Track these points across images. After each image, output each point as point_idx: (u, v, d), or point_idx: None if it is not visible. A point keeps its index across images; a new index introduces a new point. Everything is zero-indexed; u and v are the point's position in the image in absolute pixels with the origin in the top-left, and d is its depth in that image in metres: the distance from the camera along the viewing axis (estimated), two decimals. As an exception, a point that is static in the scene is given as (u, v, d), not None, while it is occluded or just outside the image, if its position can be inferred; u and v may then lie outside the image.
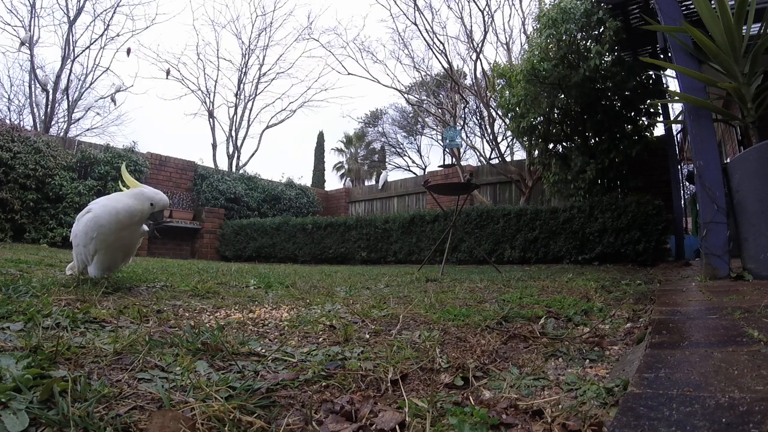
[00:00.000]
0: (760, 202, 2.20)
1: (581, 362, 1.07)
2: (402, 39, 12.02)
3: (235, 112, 14.64)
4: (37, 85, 11.83)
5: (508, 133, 10.54)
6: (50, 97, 11.69)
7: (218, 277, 2.87)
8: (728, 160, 3.39)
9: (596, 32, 4.88)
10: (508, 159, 9.80)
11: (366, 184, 26.31)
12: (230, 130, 14.54)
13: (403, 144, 26.49)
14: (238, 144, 14.47)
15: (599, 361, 1.08)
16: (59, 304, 1.42)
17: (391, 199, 10.70)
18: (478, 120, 10.74)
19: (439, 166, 9.86)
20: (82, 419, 0.60)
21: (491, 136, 8.96)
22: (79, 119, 13.44)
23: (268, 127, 15.29)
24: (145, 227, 2.03)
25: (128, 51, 12.45)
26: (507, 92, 5.81)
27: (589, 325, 1.46)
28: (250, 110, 14.98)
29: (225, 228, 8.73)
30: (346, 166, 31.61)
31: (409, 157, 26.72)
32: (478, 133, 12.24)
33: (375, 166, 29.68)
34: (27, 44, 11.17)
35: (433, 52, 10.66)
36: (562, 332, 1.36)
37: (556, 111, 5.43)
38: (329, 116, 53.93)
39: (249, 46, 14.62)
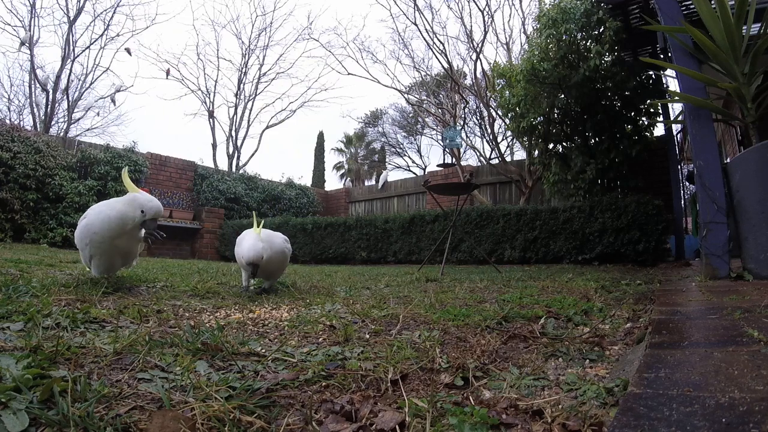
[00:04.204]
0: (760, 203, 2.20)
1: (581, 362, 1.07)
2: (402, 39, 12.05)
3: (235, 112, 14.64)
4: (37, 85, 11.82)
5: (508, 133, 10.54)
6: (50, 97, 11.68)
7: (218, 277, 2.87)
8: (728, 160, 3.39)
9: (596, 32, 4.87)
10: (508, 159, 9.79)
11: (366, 184, 26.31)
12: (230, 130, 14.54)
13: (403, 144, 26.49)
14: (238, 144, 14.46)
15: (599, 361, 1.08)
16: (59, 304, 1.42)
17: (391, 199, 10.69)
18: (478, 120, 10.73)
19: (438, 165, 9.86)
20: (82, 419, 0.60)
21: (491, 136, 8.95)
22: (79, 119, 13.44)
23: (268, 127, 15.28)
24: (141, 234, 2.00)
25: (128, 51, 12.45)
26: (507, 92, 5.81)
27: (589, 325, 1.46)
28: (250, 110, 14.98)
29: (225, 228, 8.72)
30: (346, 166, 31.59)
31: (409, 157, 26.72)
32: (478, 133, 12.24)
33: (375, 166, 29.65)
34: (27, 44, 11.16)
35: (433, 52, 10.67)
36: (562, 332, 1.36)
37: (556, 111, 5.42)
38: (329, 116, 53.95)
39: (249, 46, 14.61)
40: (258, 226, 2.10)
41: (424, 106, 12.22)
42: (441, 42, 10.07)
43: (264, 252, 1.98)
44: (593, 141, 5.39)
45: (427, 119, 13.62)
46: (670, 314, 1.36)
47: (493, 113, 8.65)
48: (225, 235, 8.66)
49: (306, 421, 0.68)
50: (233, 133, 14.49)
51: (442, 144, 11.48)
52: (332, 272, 4.05)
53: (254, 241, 1.99)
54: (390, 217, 7.13)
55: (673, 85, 4.10)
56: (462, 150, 12.20)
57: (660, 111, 5.37)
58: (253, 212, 2.34)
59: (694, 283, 2.25)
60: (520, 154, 13.23)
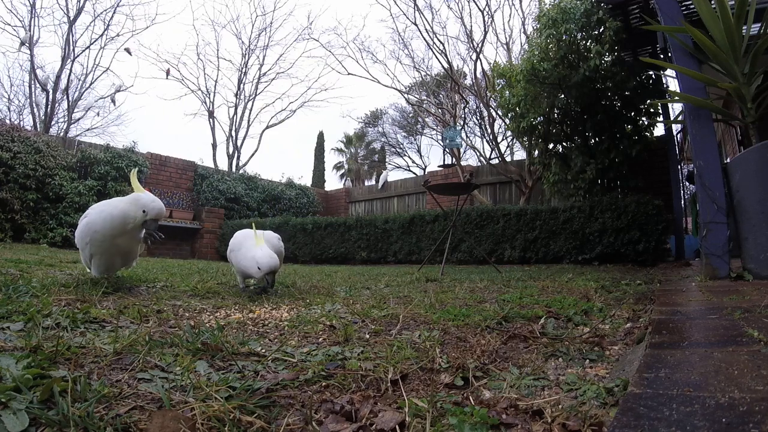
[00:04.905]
0: (760, 203, 2.20)
1: (581, 362, 1.07)
2: (402, 39, 12.04)
3: (235, 112, 14.63)
4: (37, 85, 11.82)
5: (508, 133, 10.54)
6: (50, 97, 11.68)
7: (218, 277, 2.87)
8: (728, 160, 3.39)
9: (596, 32, 4.87)
10: (508, 159, 9.79)
11: (366, 184, 26.30)
12: (230, 130, 14.53)
13: (403, 144, 26.48)
14: (238, 144, 14.46)
15: (599, 361, 1.08)
16: (59, 304, 1.42)
17: (391, 199, 10.69)
18: (478, 120, 10.73)
19: (438, 166, 9.85)
20: (82, 419, 0.60)
21: (491, 136, 8.95)
22: (79, 119, 13.44)
23: (268, 127, 15.29)
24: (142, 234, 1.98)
25: (128, 51, 12.45)
26: (507, 92, 5.81)
27: (589, 325, 1.46)
28: (250, 110, 14.98)
29: (225, 228, 8.72)
30: (346, 166, 31.58)
31: (409, 157, 26.71)
32: (478, 133, 12.24)
33: (375, 166, 29.64)
34: (27, 44, 11.16)
35: (433, 52, 10.66)
36: (562, 332, 1.36)
37: (556, 111, 5.42)
38: (329, 116, 53.93)
39: (249, 46, 14.61)
40: (259, 238, 2.06)
41: (424, 106, 12.22)
42: (441, 42, 10.08)
43: (276, 259, 2.01)
44: (593, 141, 5.39)
45: (427, 119, 13.63)
46: (670, 314, 1.36)
47: (493, 113, 8.65)
48: (225, 235, 8.65)
49: (306, 421, 0.68)
50: (233, 133, 14.50)
51: (442, 144, 11.47)
52: (332, 272, 4.05)
53: (266, 249, 1.99)
54: (390, 217, 7.13)
55: (673, 85, 4.10)
56: (462, 150, 12.20)
57: (660, 111, 5.37)
58: (252, 223, 2.34)
59: (694, 283, 2.25)
60: (520, 154, 13.24)
